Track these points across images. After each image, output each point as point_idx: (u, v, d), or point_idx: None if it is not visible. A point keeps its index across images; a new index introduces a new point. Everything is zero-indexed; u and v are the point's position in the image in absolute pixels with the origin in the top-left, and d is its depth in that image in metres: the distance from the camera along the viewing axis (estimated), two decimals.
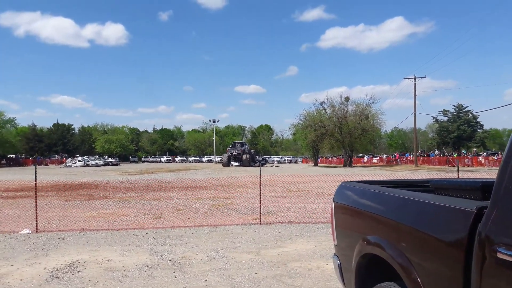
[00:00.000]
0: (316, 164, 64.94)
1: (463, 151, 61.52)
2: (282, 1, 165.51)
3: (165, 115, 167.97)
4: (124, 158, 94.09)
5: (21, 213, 10.36)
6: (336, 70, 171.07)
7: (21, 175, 26.82)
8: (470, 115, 71.47)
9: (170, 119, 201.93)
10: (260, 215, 9.23)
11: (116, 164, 71.86)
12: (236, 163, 54.86)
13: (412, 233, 2.22)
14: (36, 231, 8.19)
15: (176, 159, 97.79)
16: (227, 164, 55.18)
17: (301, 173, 32.35)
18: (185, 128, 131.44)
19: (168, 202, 13.02)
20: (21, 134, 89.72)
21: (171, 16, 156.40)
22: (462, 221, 1.85)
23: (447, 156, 50.87)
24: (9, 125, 74.44)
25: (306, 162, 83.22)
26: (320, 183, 17.10)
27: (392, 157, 69.10)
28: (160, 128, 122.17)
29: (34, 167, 9.50)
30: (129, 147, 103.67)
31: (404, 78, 50.80)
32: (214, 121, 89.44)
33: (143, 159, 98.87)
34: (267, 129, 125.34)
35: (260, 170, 10.70)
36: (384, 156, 74.20)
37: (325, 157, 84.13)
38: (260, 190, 9.95)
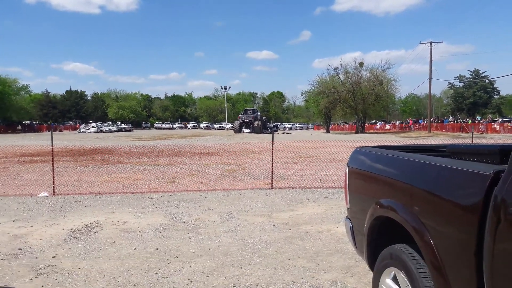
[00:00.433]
0: (328, 131, 64.66)
1: (478, 117, 60.50)
2: None
3: (177, 81, 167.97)
4: (136, 125, 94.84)
5: (38, 177, 10.62)
6: (350, 34, 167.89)
7: (36, 141, 27.31)
8: (487, 80, 69.83)
9: (182, 86, 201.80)
10: (272, 180, 9.32)
11: (129, 130, 72.58)
12: (248, 130, 54.92)
13: (427, 197, 2.21)
14: (54, 194, 8.41)
15: (188, 125, 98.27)
16: (238, 131, 55.25)
17: (313, 139, 32.31)
18: (196, 94, 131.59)
19: (182, 167, 13.19)
20: (35, 101, 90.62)
21: None
22: (479, 184, 1.83)
23: (461, 122, 50.14)
24: (23, 92, 75.18)
25: (318, 129, 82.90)
26: (331, 149, 17.09)
27: (405, 124, 68.37)
28: (172, 94, 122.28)
29: (48, 133, 9.64)
30: (141, 113, 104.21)
31: (420, 43, 49.78)
32: (225, 88, 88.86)
33: (155, 125, 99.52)
34: (279, 95, 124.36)
35: (273, 136, 10.72)
36: (397, 123, 73.42)
37: (337, 124, 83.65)
38: (272, 156, 10.00)
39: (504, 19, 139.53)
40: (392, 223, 2.51)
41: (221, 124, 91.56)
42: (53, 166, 8.92)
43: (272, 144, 10.17)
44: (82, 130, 64.53)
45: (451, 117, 62.63)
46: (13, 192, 8.77)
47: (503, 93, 77.75)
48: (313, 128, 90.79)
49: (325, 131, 66.50)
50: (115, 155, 18.45)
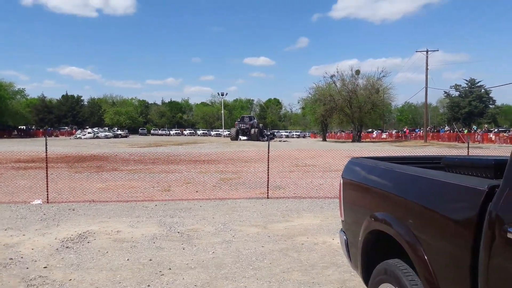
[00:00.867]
0: (324, 139, 64.74)
1: (473, 127, 60.79)
2: None
3: (173, 87, 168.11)
4: (133, 131, 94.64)
5: (32, 184, 10.53)
6: (347, 41, 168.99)
7: (32, 147, 27.16)
8: (483, 90, 70.31)
9: (178, 92, 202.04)
10: (268, 190, 9.28)
11: (126, 136, 72.39)
12: (244, 137, 54.88)
13: (421, 211, 2.19)
14: (47, 202, 8.33)
15: (185, 132, 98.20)
16: (235, 138, 55.23)
17: (309, 148, 32.33)
18: (193, 100, 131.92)
19: (177, 175, 13.13)
20: (31, 106, 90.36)
21: None
22: (473, 199, 1.82)
23: (457, 132, 50.34)
24: (19, 96, 74.98)
25: (315, 137, 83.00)
26: (327, 158, 17.09)
27: (402, 133, 68.57)
28: (169, 100, 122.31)
29: (44, 138, 9.57)
30: (138, 119, 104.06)
31: (416, 51, 49.88)
32: (222, 94, 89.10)
33: (152, 131, 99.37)
34: (276, 103, 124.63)
35: (269, 145, 10.68)
36: (394, 132, 73.64)
37: (334, 132, 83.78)
38: (268, 165, 9.96)
39: (499, 28, 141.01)
40: (387, 237, 2.48)
41: (218, 131, 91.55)
42: (47, 173, 8.85)
43: (268, 153, 10.14)
44: (78, 136, 64.28)
45: (447, 127, 62.88)
46: (6, 199, 8.69)
47: (498, 102, 78.36)
48: (309, 136, 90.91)
49: (321, 139, 66.59)
50: (110, 162, 18.37)
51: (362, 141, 57.17)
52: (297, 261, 4.76)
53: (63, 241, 5.54)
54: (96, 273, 4.31)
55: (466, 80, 74.86)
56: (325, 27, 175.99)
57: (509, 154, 1.82)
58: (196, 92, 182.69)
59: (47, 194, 8.53)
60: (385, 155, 4.29)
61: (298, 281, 4.12)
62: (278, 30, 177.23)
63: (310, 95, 62.79)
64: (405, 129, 73.30)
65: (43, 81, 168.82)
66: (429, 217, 2.12)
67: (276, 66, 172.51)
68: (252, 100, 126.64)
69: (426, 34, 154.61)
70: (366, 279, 2.85)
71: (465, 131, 51.53)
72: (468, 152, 11.15)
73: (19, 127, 72.88)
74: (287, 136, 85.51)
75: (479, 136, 45.67)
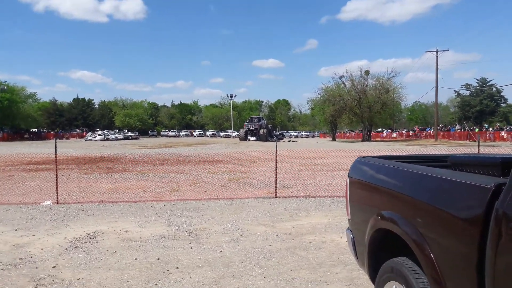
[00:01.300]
0: (333, 139, 64.49)
1: (485, 125, 60.05)
2: None
3: (183, 90, 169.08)
4: (143, 132, 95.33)
5: (43, 185, 10.65)
6: (357, 43, 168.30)
7: (43, 149, 27.48)
8: (494, 89, 69.44)
9: (188, 94, 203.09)
10: (276, 189, 9.26)
11: (136, 138, 72.92)
12: (253, 138, 54.93)
13: (428, 209, 2.17)
14: (57, 203, 8.42)
15: (194, 133, 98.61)
16: (244, 139, 55.30)
17: (318, 147, 32.22)
18: (203, 103, 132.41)
19: (186, 175, 13.18)
20: (42, 109, 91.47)
21: None
22: (479, 197, 1.79)
23: (468, 130, 49.80)
24: (31, 100, 75.96)
25: (324, 137, 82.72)
26: (336, 158, 17.01)
27: (412, 132, 68.01)
28: (179, 102, 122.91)
29: (55, 140, 9.67)
30: (148, 121, 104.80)
31: (426, 51, 49.45)
32: (231, 96, 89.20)
33: (162, 133, 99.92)
34: (285, 103, 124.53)
35: (276, 145, 10.66)
36: (404, 131, 73.07)
37: (343, 132, 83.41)
38: (276, 164, 9.95)
39: (510, 27, 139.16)
40: (393, 235, 2.46)
41: (227, 132, 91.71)
42: (56, 174, 8.94)
43: (276, 152, 10.12)
44: (88, 138, 64.94)
45: (458, 125, 62.22)
46: (17, 200, 8.80)
47: (510, 101, 77.28)
48: (319, 136, 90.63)
49: (331, 139, 66.33)
50: (120, 163, 18.50)
51: (372, 141, 56.84)
52: (304, 259, 4.75)
53: (72, 241, 5.58)
54: (104, 272, 4.34)
55: (477, 79, 74.05)
56: (334, 29, 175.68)
57: None
58: (206, 94, 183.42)
59: (57, 195, 8.61)
60: (393, 154, 4.26)
61: (305, 279, 4.10)
62: (287, 33, 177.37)
63: (319, 96, 62.71)
64: (415, 128, 72.75)
65: (55, 85, 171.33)
66: (435, 215, 2.10)
67: (285, 68, 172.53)
68: (261, 101, 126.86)
69: (436, 35, 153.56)
70: (373, 277, 2.83)
71: (476, 130, 50.94)
72: (478, 150, 11.01)
73: (31, 130, 73.75)
74: (296, 136, 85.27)
75: (491, 134, 45.11)
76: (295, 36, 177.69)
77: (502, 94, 71.28)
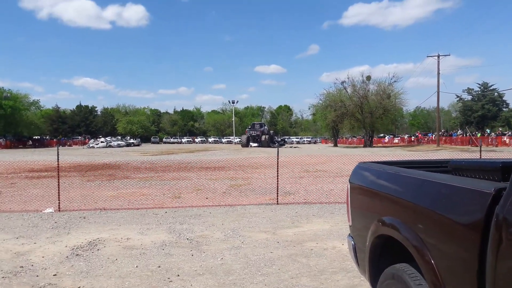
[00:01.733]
0: (335, 145, 64.47)
1: (487, 130, 59.92)
2: None
3: (185, 96, 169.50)
4: (145, 139, 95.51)
5: (45, 193, 10.65)
6: (358, 48, 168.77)
7: (46, 156, 27.53)
8: (496, 93, 69.37)
9: (190, 101, 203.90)
10: (277, 195, 9.24)
11: (138, 145, 73.04)
12: (255, 144, 54.96)
13: (428, 215, 2.16)
14: (59, 210, 8.42)
15: (196, 140, 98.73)
16: (246, 145, 55.33)
17: (320, 153, 32.19)
18: (205, 109, 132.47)
19: (188, 182, 13.17)
20: (45, 116, 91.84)
21: None
22: (479, 202, 1.78)
23: (470, 135, 49.68)
24: (34, 107, 76.28)
25: (326, 143, 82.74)
26: (338, 163, 16.98)
27: (414, 137, 67.90)
28: (181, 109, 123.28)
29: (57, 148, 9.69)
30: (150, 128, 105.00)
31: (428, 56, 49.54)
32: (233, 102, 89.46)
33: (164, 140, 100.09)
34: (287, 109, 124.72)
35: (278, 151, 10.66)
36: (406, 136, 72.98)
37: (345, 138, 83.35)
38: (277, 171, 9.93)
39: (511, 31, 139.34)
40: (394, 241, 2.45)
41: (229, 138, 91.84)
42: (58, 182, 8.95)
43: (278, 159, 10.12)
44: (91, 145, 65.08)
45: (460, 131, 62.11)
46: (19, 208, 8.80)
47: None
48: (320, 142, 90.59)
49: (332, 145, 66.30)
50: (122, 170, 18.51)
51: (374, 146, 56.79)
52: (306, 266, 4.72)
53: (73, 248, 5.57)
54: (105, 280, 4.32)
55: (479, 84, 74.08)
56: (336, 35, 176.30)
57: None
58: (208, 100, 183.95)
59: (59, 203, 8.61)
60: (395, 159, 4.24)
61: (306, 287, 4.08)
62: (289, 38, 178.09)
63: (320, 101, 62.78)
64: (417, 134, 72.64)
65: (58, 92, 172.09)
66: (436, 221, 2.08)
67: (287, 74, 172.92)
68: (263, 107, 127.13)
69: (438, 40, 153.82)
70: (374, 284, 2.81)
71: (478, 135, 50.82)
72: (480, 155, 10.98)
73: (34, 137, 74.00)
74: (298, 142, 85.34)
75: (493, 139, 44.99)
76: (297, 41, 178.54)
77: (504, 98, 71.32)
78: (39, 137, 75.61)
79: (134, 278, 4.40)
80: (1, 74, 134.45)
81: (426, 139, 61.16)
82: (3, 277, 4.43)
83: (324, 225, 6.90)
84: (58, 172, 9.20)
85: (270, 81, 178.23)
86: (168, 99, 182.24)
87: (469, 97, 74.06)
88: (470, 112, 71.33)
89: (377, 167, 3.09)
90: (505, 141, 43.33)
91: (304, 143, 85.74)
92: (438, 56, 47.83)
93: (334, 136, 66.36)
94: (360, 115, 56.71)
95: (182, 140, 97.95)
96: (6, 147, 57.29)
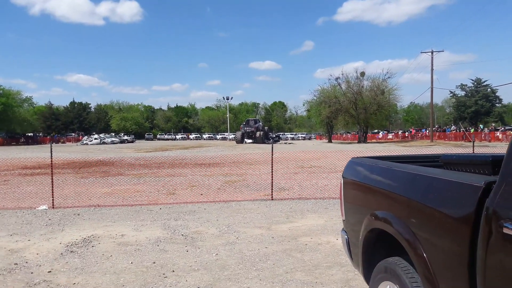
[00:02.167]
0: (330, 141, 64.62)
1: (480, 126, 60.34)
2: None
3: (180, 92, 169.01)
4: (139, 136, 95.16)
5: (38, 190, 10.61)
6: (353, 44, 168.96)
7: (39, 153, 27.37)
8: (489, 89, 69.79)
9: (185, 97, 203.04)
10: (272, 191, 9.27)
11: (132, 142, 72.77)
12: (250, 140, 54.99)
13: (420, 208, 2.18)
14: (53, 207, 8.39)
15: (191, 136, 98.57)
16: (240, 141, 55.36)
17: (314, 149, 32.27)
18: (199, 105, 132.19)
19: (182, 179, 13.16)
20: (38, 113, 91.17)
21: None
22: (470, 196, 1.81)
23: (463, 131, 50.01)
24: (27, 104, 75.67)
25: (320, 139, 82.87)
26: (332, 159, 17.04)
27: (408, 133, 68.21)
28: (175, 105, 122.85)
29: (51, 145, 9.64)
30: (144, 124, 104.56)
31: (421, 52, 49.64)
32: (228, 98, 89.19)
33: (158, 136, 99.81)
34: (281, 106, 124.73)
35: (272, 147, 10.69)
36: (400, 132, 73.29)
37: (339, 134, 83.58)
38: (272, 167, 9.96)
39: (505, 27, 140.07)
40: (387, 235, 2.47)
41: (224, 134, 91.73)
42: (52, 178, 8.91)
43: (272, 155, 10.14)
44: (84, 142, 64.79)
45: (453, 126, 62.47)
46: (12, 205, 8.76)
47: (505, 101, 77.78)
48: (315, 138, 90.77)
49: (327, 140, 66.45)
50: (116, 167, 18.45)
51: (368, 142, 56.97)
52: (300, 261, 4.75)
53: (67, 245, 5.57)
54: (100, 277, 4.33)
55: (472, 80, 74.44)
56: (331, 30, 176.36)
57: None
58: (203, 97, 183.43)
59: (53, 200, 8.58)
60: (388, 154, 4.27)
61: (301, 281, 4.11)
62: (284, 34, 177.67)
63: (315, 98, 62.81)
64: (411, 129, 72.98)
65: (51, 88, 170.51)
66: (427, 214, 2.11)
67: (282, 70, 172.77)
68: (258, 103, 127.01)
69: (432, 36, 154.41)
70: (367, 278, 2.84)
71: (472, 130, 51.16)
72: (473, 150, 11.07)
73: (27, 134, 73.47)
74: (292, 138, 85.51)
75: (486, 135, 45.31)
76: (292, 37, 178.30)
77: (497, 94, 71.69)
78: (32, 134, 75.13)
79: (129, 274, 4.40)
80: None
81: (420, 134, 61.44)
82: None
83: (319, 220, 6.94)
84: (51, 169, 9.16)
85: (265, 77, 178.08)
86: (162, 95, 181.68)
87: (463, 93, 74.45)
88: (463, 108, 71.72)
89: (370, 162, 3.11)
90: (498, 136, 43.66)
91: (299, 139, 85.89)
92: (432, 52, 48.00)
93: (329, 132, 66.50)
94: (354, 111, 56.82)
95: (176, 136, 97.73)
96: None
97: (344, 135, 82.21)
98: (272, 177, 9.65)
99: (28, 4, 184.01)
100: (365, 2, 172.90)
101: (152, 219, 7.23)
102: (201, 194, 9.99)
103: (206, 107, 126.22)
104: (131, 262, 4.80)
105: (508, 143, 1.80)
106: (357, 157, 3.45)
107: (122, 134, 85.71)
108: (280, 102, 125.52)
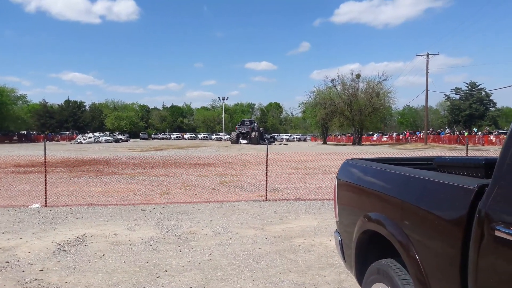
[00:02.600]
0: (325, 142, 64.78)
1: (474, 129, 60.73)
2: None
3: (175, 92, 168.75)
4: (134, 135, 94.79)
5: (31, 188, 10.53)
6: (349, 46, 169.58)
7: (32, 151, 27.20)
8: (483, 93, 70.31)
9: (180, 97, 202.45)
10: (266, 192, 9.27)
11: (126, 141, 72.45)
12: (245, 141, 55.00)
13: (413, 211, 2.19)
14: (46, 206, 8.33)
15: (186, 136, 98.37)
16: (235, 141, 55.36)
17: (309, 151, 32.32)
18: (195, 105, 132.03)
19: (176, 178, 13.12)
20: (32, 111, 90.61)
21: None
22: (463, 198, 1.82)
23: (457, 134, 50.30)
24: (21, 102, 75.19)
25: (315, 140, 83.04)
26: (327, 161, 17.07)
27: (402, 135, 68.51)
28: (170, 105, 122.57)
29: (44, 143, 9.57)
30: (139, 124, 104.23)
31: (417, 55, 49.93)
32: (223, 99, 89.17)
33: (153, 136, 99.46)
34: (277, 107, 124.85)
35: (267, 148, 10.68)
36: (394, 134, 73.60)
37: (334, 135, 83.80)
38: (266, 167, 9.96)
39: (501, 31, 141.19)
40: (380, 237, 2.48)
41: (219, 135, 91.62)
42: (45, 177, 8.85)
43: (267, 156, 10.14)
44: (79, 140, 64.43)
45: (447, 129, 62.82)
46: (4, 203, 8.68)
47: (499, 105, 78.42)
48: (310, 139, 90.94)
49: (322, 142, 66.61)
50: (110, 166, 18.37)
51: (363, 144, 57.16)
52: (293, 262, 4.75)
53: (60, 244, 5.53)
54: (92, 276, 4.30)
55: (467, 83, 75.01)
56: (327, 32, 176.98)
57: None
58: (198, 97, 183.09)
59: (46, 198, 8.52)
60: (381, 156, 4.29)
61: (294, 282, 4.11)
62: (280, 35, 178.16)
63: (310, 99, 62.92)
64: (405, 132, 73.30)
65: (46, 86, 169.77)
66: (420, 216, 2.12)
67: (278, 71, 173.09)
68: (253, 104, 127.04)
69: (428, 39, 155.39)
70: (359, 279, 2.85)
71: (466, 134, 51.47)
72: (467, 154, 11.13)
73: (20, 132, 72.97)
74: (287, 140, 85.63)
75: (480, 138, 45.58)
76: (289, 38, 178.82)
77: (491, 98, 72.28)
78: (26, 132, 74.61)
79: (121, 273, 4.38)
80: None
81: (414, 137, 61.74)
82: None
83: (312, 221, 6.95)
84: (45, 167, 9.10)
85: (261, 78, 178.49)
86: (158, 94, 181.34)
87: (457, 96, 74.98)
88: (458, 111, 72.20)
89: (364, 163, 3.12)
90: (491, 140, 43.92)
91: (294, 141, 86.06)
92: (428, 55, 48.27)
93: (324, 133, 66.66)
94: (349, 113, 57.01)
95: (171, 136, 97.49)
96: None
97: (338, 137, 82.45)
98: (266, 178, 9.65)
99: (24, 1, 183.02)
100: (362, 4, 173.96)
101: (146, 218, 7.21)
102: (195, 194, 9.97)
103: (201, 107, 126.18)
104: (124, 262, 4.77)
105: (501, 146, 1.81)
106: (352, 159, 3.45)
107: (117, 133, 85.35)
108: (275, 103, 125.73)
